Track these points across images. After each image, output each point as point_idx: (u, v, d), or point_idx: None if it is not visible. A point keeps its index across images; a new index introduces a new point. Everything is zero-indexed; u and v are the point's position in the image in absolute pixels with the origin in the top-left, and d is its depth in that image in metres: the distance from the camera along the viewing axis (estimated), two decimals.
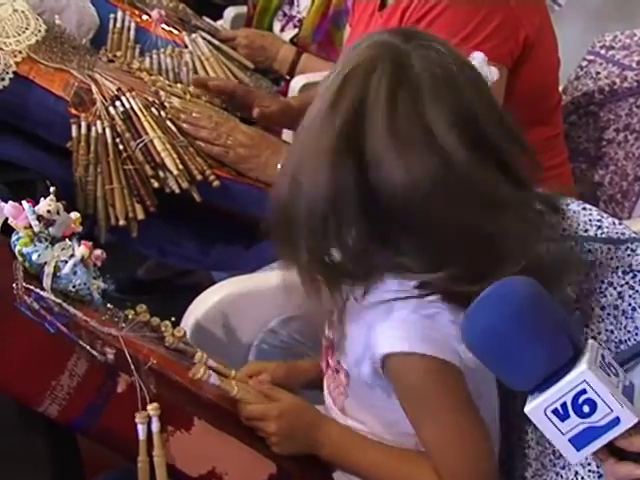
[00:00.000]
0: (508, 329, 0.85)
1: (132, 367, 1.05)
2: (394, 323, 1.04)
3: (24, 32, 1.67)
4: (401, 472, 1.14)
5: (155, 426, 1.05)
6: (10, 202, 1.15)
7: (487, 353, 0.87)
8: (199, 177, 1.63)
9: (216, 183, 1.64)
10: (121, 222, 1.61)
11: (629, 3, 5.30)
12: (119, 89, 1.66)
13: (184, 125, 1.68)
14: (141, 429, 1.05)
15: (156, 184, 1.61)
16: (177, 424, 1.07)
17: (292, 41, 2.45)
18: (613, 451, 0.86)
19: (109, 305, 1.21)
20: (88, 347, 1.03)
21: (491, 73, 1.53)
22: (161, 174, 1.61)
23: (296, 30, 2.45)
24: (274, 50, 2.38)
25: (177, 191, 1.61)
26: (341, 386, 1.17)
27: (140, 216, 1.61)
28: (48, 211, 1.12)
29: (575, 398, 0.84)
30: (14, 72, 1.62)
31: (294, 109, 1.91)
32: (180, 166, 1.60)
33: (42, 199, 1.14)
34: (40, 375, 1.04)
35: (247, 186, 1.69)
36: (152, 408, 1.05)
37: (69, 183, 1.60)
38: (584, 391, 0.83)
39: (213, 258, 1.74)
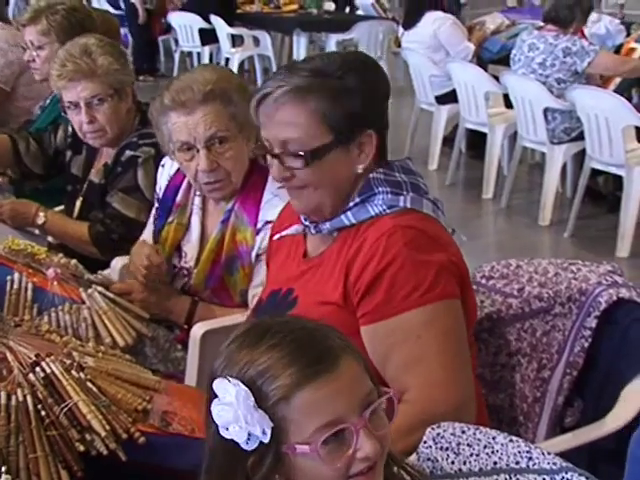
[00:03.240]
0: None
1: None
2: None
3: None
4: None
5: None
6: None
7: None
8: (124, 436, 1.62)
9: (142, 440, 1.64)
10: None
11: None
12: (38, 355, 1.66)
13: None
14: None
15: (82, 448, 1.59)
16: None
17: (182, 289, 2.50)
18: None
19: None
20: None
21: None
22: (87, 437, 1.59)
23: (186, 279, 2.51)
24: (170, 302, 2.44)
25: (105, 453, 1.59)
26: None
27: None
28: None
29: None
30: None
31: None
32: (107, 427, 1.59)
33: None
34: None
35: (169, 438, 1.69)
36: None
37: None
38: None
39: None
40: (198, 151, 2.32)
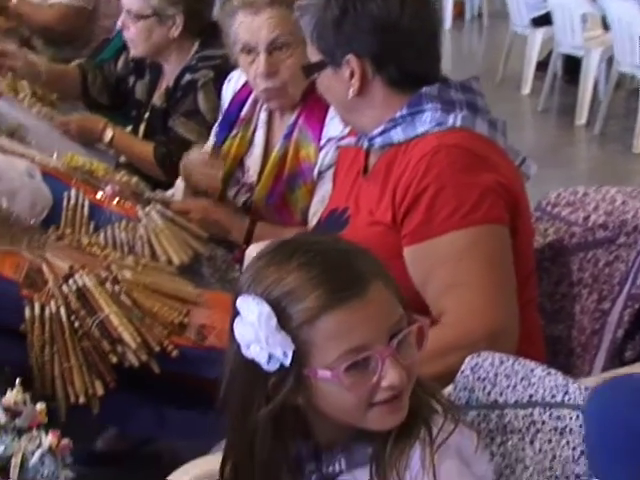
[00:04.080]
0: None
1: None
2: None
3: None
4: None
5: None
6: None
7: None
8: (157, 348, 1.63)
9: (175, 353, 1.65)
10: (81, 400, 1.59)
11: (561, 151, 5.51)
12: (71, 267, 1.67)
13: None
14: None
15: (114, 359, 1.60)
16: None
17: (245, 204, 2.48)
18: None
19: None
20: None
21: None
22: (119, 349, 1.60)
23: (248, 194, 2.49)
24: (228, 222, 2.41)
25: (136, 365, 1.61)
26: None
27: (100, 392, 1.60)
28: (15, 402, 1.10)
29: None
30: None
31: None
32: (138, 339, 1.60)
33: (9, 390, 1.12)
34: None
35: (204, 351, 1.69)
36: None
37: (24, 366, 1.58)
38: None
39: (170, 426, 1.73)
40: (259, 54, 2.30)
